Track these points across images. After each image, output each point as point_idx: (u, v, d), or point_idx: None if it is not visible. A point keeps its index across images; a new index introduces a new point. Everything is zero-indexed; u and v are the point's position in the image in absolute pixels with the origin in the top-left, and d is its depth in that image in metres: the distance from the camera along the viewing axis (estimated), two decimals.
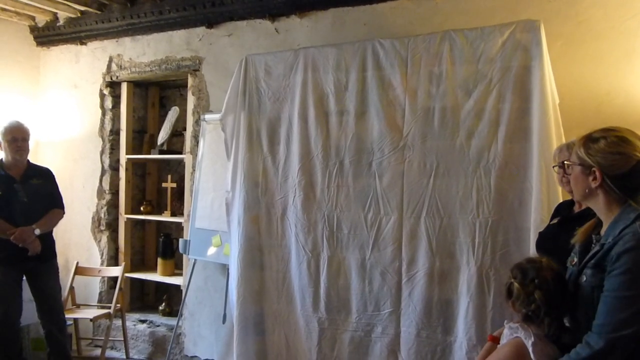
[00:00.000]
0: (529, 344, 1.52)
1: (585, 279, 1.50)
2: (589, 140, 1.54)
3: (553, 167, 2.13)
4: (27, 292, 3.44)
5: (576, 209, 2.04)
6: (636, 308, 1.37)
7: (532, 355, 1.51)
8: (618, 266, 1.39)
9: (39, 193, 3.44)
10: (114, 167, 4.41)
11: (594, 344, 1.39)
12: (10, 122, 3.43)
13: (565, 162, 1.66)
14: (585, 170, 1.53)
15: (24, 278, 3.44)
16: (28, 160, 3.49)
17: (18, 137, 3.37)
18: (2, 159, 3.43)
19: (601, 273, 1.44)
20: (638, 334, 1.37)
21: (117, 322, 4.07)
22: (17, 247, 3.24)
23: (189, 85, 3.93)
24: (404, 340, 2.74)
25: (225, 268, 3.46)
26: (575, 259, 1.62)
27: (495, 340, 1.77)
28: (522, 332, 1.56)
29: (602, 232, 1.53)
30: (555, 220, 2.12)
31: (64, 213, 3.61)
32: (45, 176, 3.55)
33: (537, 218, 2.39)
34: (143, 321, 4.23)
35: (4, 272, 3.28)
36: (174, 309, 4.24)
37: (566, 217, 2.06)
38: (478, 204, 2.58)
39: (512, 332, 1.61)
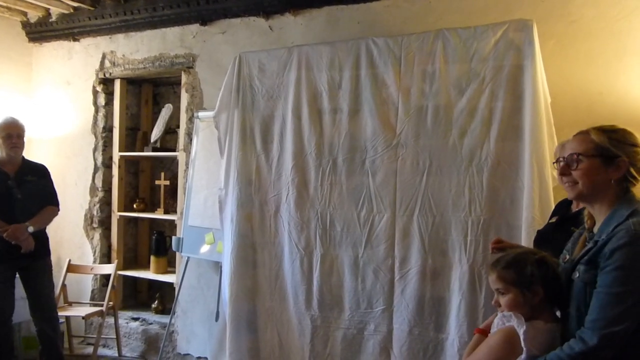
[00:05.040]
0: (520, 331, 1.52)
1: (578, 274, 1.51)
2: (604, 131, 1.51)
3: (556, 161, 2.06)
4: (18, 290, 3.42)
5: (574, 207, 2.05)
6: (628, 304, 1.37)
7: (522, 343, 1.50)
8: (611, 262, 1.39)
9: (33, 190, 3.41)
10: (107, 165, 4.39)
11: (587, 340, 1.39)
12: (5, 118, 3.41)
13: (578, 153, 1.52)
14: (605, 161, 1.49)
15: (17, 275, 3.41)
16: (23, 157, 3.47)
17: (13, 133, 3.35)
18: None
19: (594, 269, 1.44)
20: (630, 329, 1.38)
21: (110, 320, 4.06)
22: (10, 245, 3.22)
23: (182, 82, 3.92)
24: (396, 337, 2.75)
25: (218, 266, 3.46)
26: (568, 256, 1.63)
27: (483, 332, 1.75)
28: (515, 320, 1.55)
29: (596, 229, 1.54)
30: (554, 219, 2.13)
31: (58, 210, 3.59)
32: (40, 173, 3.53)
33: (528, 216, 2.41)
34: (136, 319, 4.22)
35: None
36: (166, 306, 4.23)
37: (563, 217, 2.07)
38: (470, 202, 2.59)
39: (504, 321, 1.61)
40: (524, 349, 1.50)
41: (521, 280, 1.58)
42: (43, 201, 3.48)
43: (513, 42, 2.52)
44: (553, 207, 2.32)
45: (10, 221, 3.25)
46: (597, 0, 2.66)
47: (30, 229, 3.28)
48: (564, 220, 2.03)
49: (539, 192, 2.42)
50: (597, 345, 1.38)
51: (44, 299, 3.46)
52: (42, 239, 3.44)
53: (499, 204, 2.56)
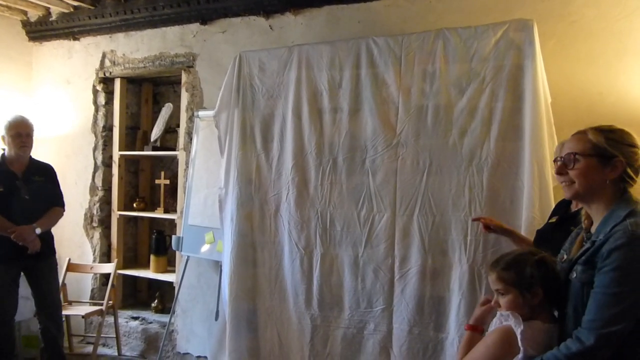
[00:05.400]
0: (518, 331, 1.52)
1: (575, 275, 1.51)
2: (602, 131, 1.51)
3: (555, 160, 2.06)
4: (20, 289, 3.41)
5: (573, 207, 2.05)
6: (626, 304, 1.38)
7: (520, 343, 1.51)
8: (608, 263, 1.40)
9: (40, 191, 3.41)
10: (107, 164, 4.39)
11: (584, 340, 1.40)
12: (14, 116, 3.41)
13: (575, 153, 1.51)
14: (602, 160, 1.49)
15: (22, 275, 3.41)
16: (30, 156, 3.47)
17: (22, 132, 3.35)
18: (4, 153, 3.41)
19: (592, 269, 1.45)
20: (627, 329, 1.38)
21: (110, 319, 4.06)
22: (16, 245, 3.22)
23: (182, 81, 3.92)
24: (396, 337, 2.75)
25: (218, 265, 3.46)
26: (565, 256, 1.63)
27: (474, 328, 1.75)
28: (513, 320, 1.56)
29: (593, 229, 1.54)
30: (553, 219, 2.13)
31: (64, 211, 3.59)
32: (47, 173, 3.53)
33: (528, 216, 2.41)
34: (135, 318, 4.22)
35: (1, 270, 3.25)
36: (166, 306, 4.23)
37: (563, 216, 2.07)
38: (470, 202, 2.59)
39: (502, 320, 1.61)
40: (521, 348, 1.51)
41: (521, 281, 1.58)
42: (49, 202, 3.48)
43: (513, 41, 2.52)
44: (553, 207, 2.32)
45: (16, 221, 3.25)
46: (598, 0, 2.66)
47: (38, 230, 3.29)
48: (564, 220, 2.03)
49: (539, 192, 2.42)
50: (594, 345, 1.38)
51: (50, 298, 3.47)
52: (47, 239, 3.44)
53: (499, 203, 2.56)
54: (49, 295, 3.46)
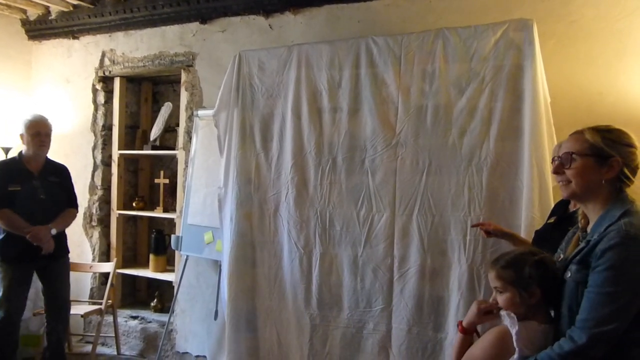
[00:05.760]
0: (513, 332, 1.53)
1: (570, 274, 1.51)
2: (599, 131, 1.52)
3: (554, 159, 2.05)
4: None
5: (571, 207, 2.05)
6: (619, 304, 1.39)
7: (515, 344, 1.51)
8: (602, 262, 1.40)
9: (56, 191, 3.43)
10: (106, 163, 4.39)
11: (577, 339, 1.41)
12: (33, 115, 3.43)
13: (572, 152, 1.52)
14: (599, 160, 1.49)
15: (35, 274, 3.42)
16: (46, 156, 3.48)
17: (42, 131, 3.37)
18: (21, 151, 3.42)
19: (586, 269, 1.45)
20: (620, 329, 1.39)
21: (109, 318, 4.06)
22: (31, 245, 3.22)
23: (182, 80, 3.92)
24: (395, 336, 2.75)
25: (217, 264, 3.46)
26: (562, 255, 1.63)
27: (467, 331, 1.75)
28: (508, 320, 1.57)
29: (589, 229, 1.55)
30: (552, 220, 2.13)
31: (77, 212, 3.61)
32: (62, 174, 3.55)
33: (527, 216, 2.41)
34: (134, 317, 4.22)
35: (15, 270, 3.26)
36: (165, 305, 4.23)
37: (561, 217, 2.08)
38: (470, 202, 2.59)
39: (498, 321, 1.62)
40: (516, 349, 1.52)
41: (519, 280, 1.59)
42: (64, 203, 3.50)
43: (513, 41, 2.52)
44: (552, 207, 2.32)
45: (32, 221, 3.25)
46: (598, 1, 2.66)
47: (53, 231, 3.30)
48: (562, 220, 2.03)
49: (538, 192, 2.42)
50: (586, 345, 1.39)
51: (61, 298, 3.48)
52: (60, 238, 3.45)
53: (498, 203, 2.56)
54: (60, 295, 3.47)
